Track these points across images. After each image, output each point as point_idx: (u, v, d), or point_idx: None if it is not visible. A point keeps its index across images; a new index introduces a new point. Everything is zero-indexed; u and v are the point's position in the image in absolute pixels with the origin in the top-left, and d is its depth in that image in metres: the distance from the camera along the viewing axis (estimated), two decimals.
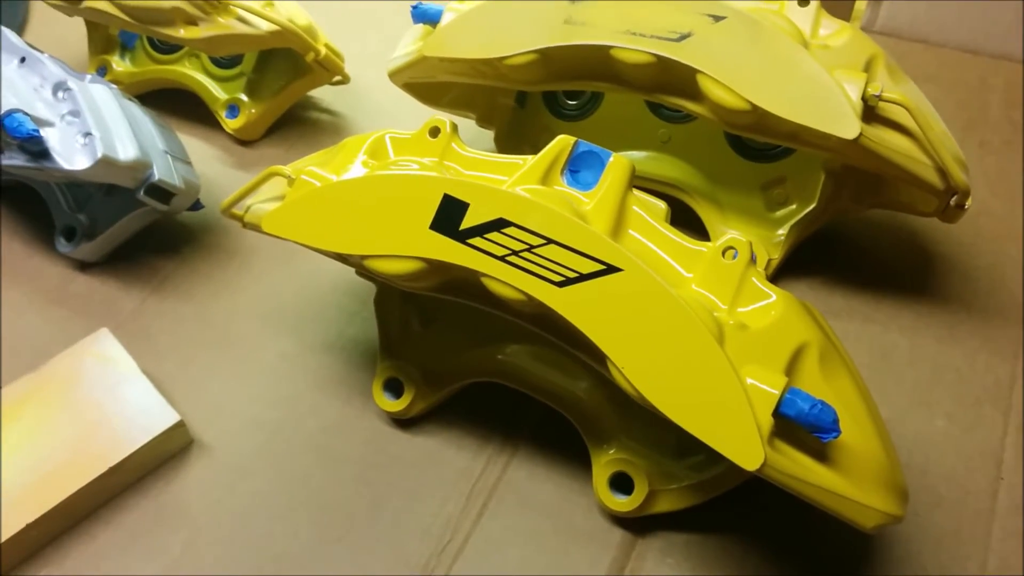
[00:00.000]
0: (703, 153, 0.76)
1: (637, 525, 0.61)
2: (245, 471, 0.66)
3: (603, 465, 0.61)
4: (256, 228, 0.59)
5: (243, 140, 0.89)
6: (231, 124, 0.87)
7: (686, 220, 0.75)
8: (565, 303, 0.49)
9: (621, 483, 0.60)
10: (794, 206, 0.73)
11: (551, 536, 0.61)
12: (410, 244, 0.52)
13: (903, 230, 0.77)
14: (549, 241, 0.50)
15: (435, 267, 0.52)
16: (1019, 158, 0.82)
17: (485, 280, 0.51)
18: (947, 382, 0.67)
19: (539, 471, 0.64)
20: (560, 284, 0.49)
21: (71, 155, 0.68)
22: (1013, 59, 0.90)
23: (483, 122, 0.81)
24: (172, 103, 0.90)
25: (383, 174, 0.55)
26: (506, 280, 0.50)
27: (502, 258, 0.50)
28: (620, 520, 0.61)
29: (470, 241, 0.51)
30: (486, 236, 0.51)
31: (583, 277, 0.49)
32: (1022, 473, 0.62)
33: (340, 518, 0.63)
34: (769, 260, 0.72)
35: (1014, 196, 0.79)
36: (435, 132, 0.57)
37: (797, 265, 0.73)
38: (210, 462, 0.66)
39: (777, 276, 0.73)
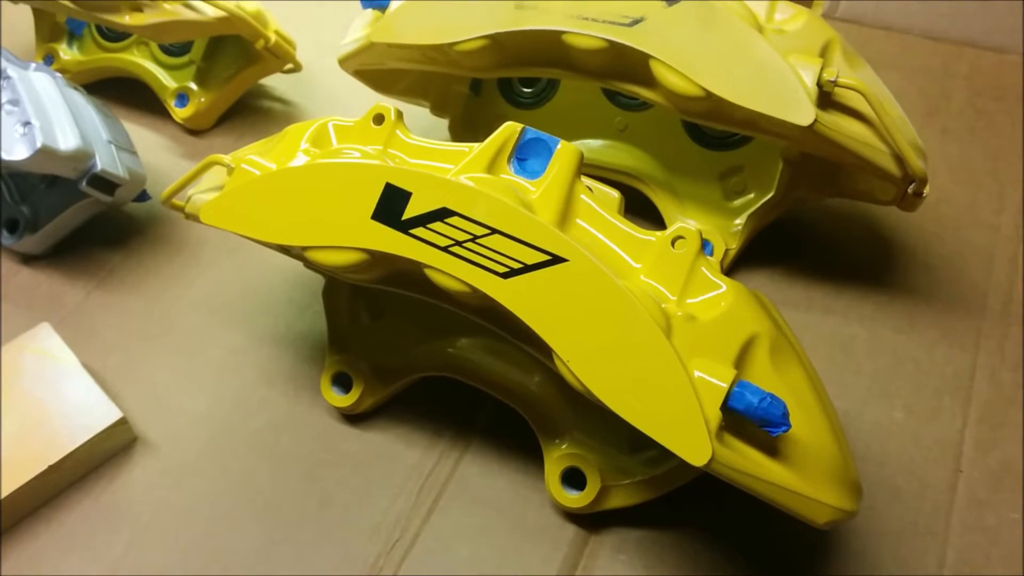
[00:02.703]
0: (660, 141, 0.75)
1: (590, 521, 0.60)
2: (190, 469, 0.64)
3: (555, 460, 0.59)
4: (196, 219, 0.57)
5: (193, 130, 0.87)
6: (180, 113, 0.85)
7: (644, 210, 0.74)
8: (509, 294, 0.48)
9: (574, 479, 0.59)
10: (752, 195, 0.71)
11: (503, 533, 0.60)
12: (351, 235, 0.51)
13: (863, 219, 0.76)
14: (493, 231, 0.48)
15: (378, 258, 0.51)
16: (981, 146, 0.81)
17: (428, 271, 0.50)
18: (906, 373, 0.67)
19: (491, 467, 0.63)
20: (504, 275, 0.48)
21: (10, 145, 0.66)
22: (977, 45, 0.89)
23: (437, 110, 0.80)
24: (121, 92, 0.89)
25: (323, 162, 0.53)
26: (449, 271, 0.49)
27: (445, 249, 0.49)
28: (573, 516, 0.60)
29: (413, 231, 0.50)
30: (429, 226, 0.49)
31: (528, 268, 0.48)
32: (980, 466, 0.62)
33: (287, 516, 0.61)
34: (727, 250, 0.70)
35: (976, 184, 0.78)
36: (379, 119, 0.56)
37: (756, 255, 0.72)
38: (154, 460, 0.65)
39: (736, 266, 0.72)
